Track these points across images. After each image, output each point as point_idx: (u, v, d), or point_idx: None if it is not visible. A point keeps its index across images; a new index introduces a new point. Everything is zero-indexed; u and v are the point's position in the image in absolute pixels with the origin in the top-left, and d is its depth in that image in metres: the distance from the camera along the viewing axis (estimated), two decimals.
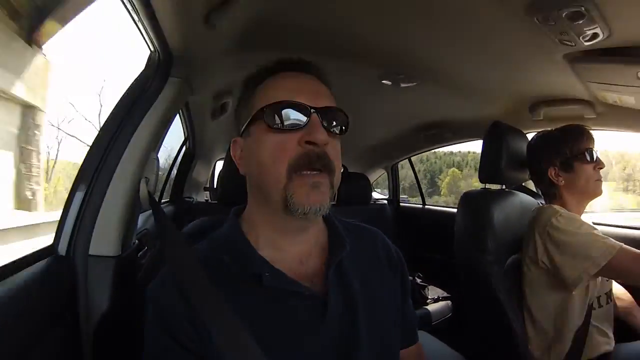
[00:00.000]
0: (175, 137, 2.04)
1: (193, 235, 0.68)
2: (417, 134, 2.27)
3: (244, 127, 0.61)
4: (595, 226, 1.06)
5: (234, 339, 0.51)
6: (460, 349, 1.21)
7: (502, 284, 1.09)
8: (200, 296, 0.53)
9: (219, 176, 1.13)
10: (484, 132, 1.32)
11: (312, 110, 0.56)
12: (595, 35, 0.80)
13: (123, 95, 0.87)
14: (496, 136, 1.26)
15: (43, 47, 1.59)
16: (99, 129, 0.85)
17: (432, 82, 1.44)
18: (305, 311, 0.55)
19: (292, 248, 0.60)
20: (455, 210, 1.30)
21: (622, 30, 0.79)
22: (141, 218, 1.13)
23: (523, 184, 1.52)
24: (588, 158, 1.10)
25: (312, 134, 0.55)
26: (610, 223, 1.48)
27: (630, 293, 1.22)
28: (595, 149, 1.13)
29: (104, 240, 0.77)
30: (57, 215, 0.79)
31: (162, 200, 2.07)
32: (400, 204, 2.96)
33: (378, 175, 3.29)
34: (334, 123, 0.59)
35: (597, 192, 1.13)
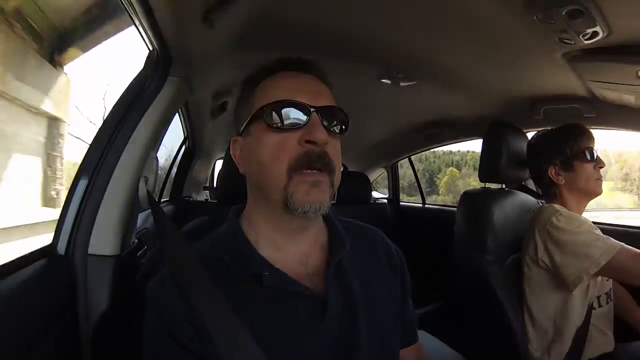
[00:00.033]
0: (174, 136, 2.04)
1: (193, 234, 0.68)
2: (417, 133, 2.27)
3: (243, 126, 0.61)
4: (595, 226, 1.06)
5: (234, 338, 0.51)
6: (460, 348, 1.21)
7: (502, 284, 1.09)
8: (200, 296, 0.53)
9: (218, 175, 1.13)
10: (484, 131, 1.32)
11: (312, 110, 0.56)
12: (595, 34, 0.80)
13: (122, 95, 0.87)
14: (496, 135, 1.26)
15: (65, 67, 2.09)
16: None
17: (431, 81, 1.44)
18: (305, 311, 0.55)
19: (292, 248, 0.60)
20: (455, 209, 1.30)
21: (622, 29, 0.78)
22: (141, 217, 1.13)
23: (523, 183, 1.52)
24: (588, 157, 1.10)
25: (312, 134, 0.55)
26: (608, 222, 1.48)
27: (630, 293, 1.22)
28: (595, 148, 1.12)
29: (103, 240, 0.77)
30: None
31: (162, 200, 2.07)
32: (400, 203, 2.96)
33: (378, 175, 3.29)
34: (334, 122, 0.59)
35: (597, 191, 1.13)
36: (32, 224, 2.08)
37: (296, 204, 0.54)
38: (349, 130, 0.61)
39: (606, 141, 1.17)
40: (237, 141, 0.64)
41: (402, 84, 1.45)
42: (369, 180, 2.50)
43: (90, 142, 0.82)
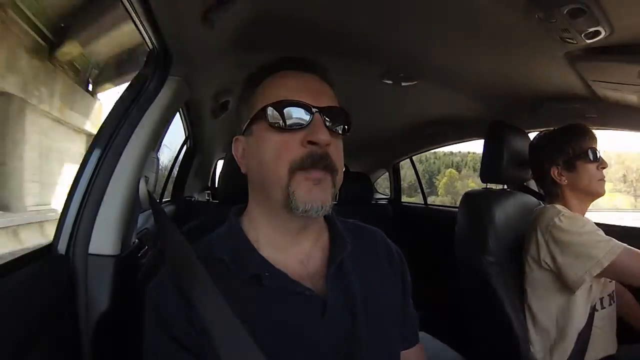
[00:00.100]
0: (176, 136, 2.05)
1: (193, 234, 0.68)
2: (418, 133, 2.27)
3: (245, 125, 0.61)
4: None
5: (234, 339, 0.51)
6: (461, 349, 1.21)
7: (503, 285, 1.09)
8: (199, 296, 0.53)
9: (220, 175, 1.13)
10: (485, 132, 1.32)
11: (314, 110, 0.56)
12: (596, 33, 0.79)
13: (122, 94, 0.87)
14: (497, 135, 1.25)
15: (97, 95, 2.97)
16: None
17: (432, 81, 1.44)
18: (305, 311, 0.55)
19: (292, 248, 0.60)
20: (456, 209, 1.29)
21: (624, 28, 0.78)
22: (142, 218, 1.13)
23: (525, 184, 1.51)
24: (591, 157, 1.10)
25: (315, 134, 0.54)
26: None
27: (633, 294, 1.21)
28: (598, 148, 1.12)
29: (104, 239, 0.77)
30: None
31: (163, 200, 2.07)
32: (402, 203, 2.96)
33: (379, 175, 3.29)
34: (337, 123, 0.58)
35: (600, 192, 1.12)
36: None
37: (298, 202, 0.54)
38: (351, 131, 0.60)
39: (604, 142, 1.16)
40: (238, 140, 0.63)
41: (403, 83, 1.45)
42: (370, 181, 2.50)
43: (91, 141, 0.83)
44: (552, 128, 1.21)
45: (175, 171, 2.25)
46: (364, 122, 2.03)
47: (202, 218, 0.98)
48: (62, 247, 0.74)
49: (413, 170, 2.96)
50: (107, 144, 0.81)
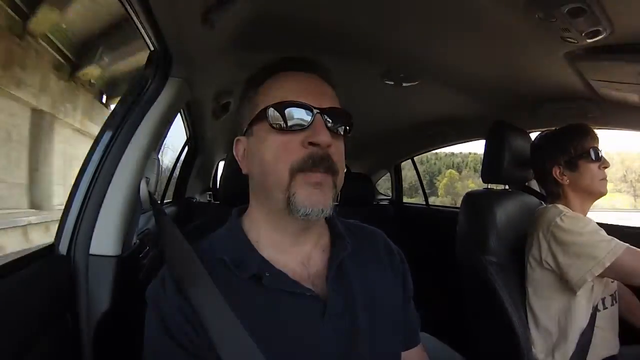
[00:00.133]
0: (178, 137, 2.05)
1: (194, 235, 0.68)
2: (419, 134, 2.26)
3: (246, 126, 0.61)
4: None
5: (234, 339, 0.51)
6: (462, 350, 1.20)
7: (505, 285, 1.08)
8: (200, 296, 0.53)
9: (221, 176, 1.13)
10: (486, 132, 1.32)
11: (316, 111, 0.55)
12: (597, 32, 0.79)
13: (123, 95, 0.88)
14: (498, 135, 1.25)
15: (111, 106, 3.05)
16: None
17: (433, 82, 1.43)
18: (305, 312, 0.55)
19: (293, 249, 0.60)
20: (458, 210, 1.29)
21: (625, 27, 0.77)
22: (143, 219, 1.14)
23: (526, 184, 1.51)
24: (593, 157, 1.09)
25: (316, 136, 0.54)
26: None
27: (635, 294, 1.20)
28: (600, 148, 1.11)
29: (105, 240, 0.78)
30: None
31: (165, 201, 2.07)
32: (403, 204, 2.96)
33: (381, 176, 3.29)
34: (338, 124, 0.58)
35: (602, 192, 1.12)
36: None
37: (298, 205, 0.54)
38: (352, 131, 0.60)
39: (604, 141, 1.15)
40: (240, 141, 0.63)
41: (404, 84, 1.45)
42: (371, 182, 2.50)
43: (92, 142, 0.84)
44: (553, 128, 1.21)
45: (176, 172, 2.25)
46: (366, 122, 2.03)
47: (202, 218, 0.99)
48: (63, 248, 0.74)
49: (413, 171, 2.96)
50: (108, 145, 0.81)
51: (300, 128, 0.55)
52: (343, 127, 0.59)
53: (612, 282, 1.09)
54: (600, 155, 1.10)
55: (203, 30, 0.83)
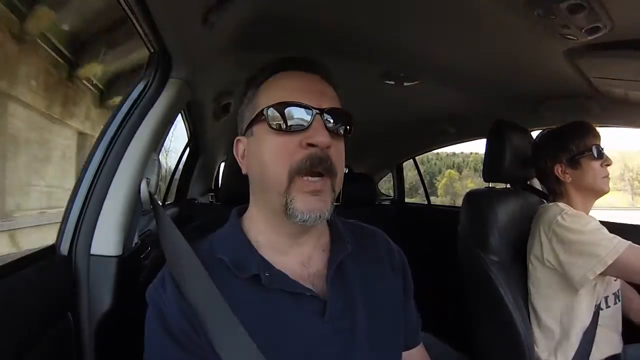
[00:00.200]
0: (179, 139, 2.06)
1: (195, 235, 0.68)
2: (421, 134, 2.26)
3: (246, 126, 0.61)
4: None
5: (234, 339, 0.51)
6: (463, 350, 1.20)
7: (507, 284, 1.08)
8: (199, 296, 0.53)
9: (222, 176, 1.13)
10: (488, 131, 1.31)
11: (315, 111, 0.55)
12: (597, 29, 0.78)
13: (124, 96, 0.88)
14: (499, 134, 1.24)
15: None
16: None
17: (433, 81, 1.43)
18: (305, 312, 0.55)
19: (293, 249, 0.60)
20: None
21: (625, 23, 0.77)
22: (145, 220, 1.14)
23: (528, 183, 1.50)
24: (595, 154, 1.09)
25: (315, 137, 0.54)
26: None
27: (639, 292, 1.19)
28: (602, 145, 1.11)
29: (106, 240, 0.78)
30: None
31: (167, 202, 2.08)
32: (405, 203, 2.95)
33: (383, 176, 3.29)
34: (338, 124, 0.58)
35: (604, 189, 1.11)
36: None
37: (296, 211, 0.53)
38: (354, 132, 0.60)
39: (604, 140, 1.15)
40: (240, 141, 0.63)
41: (405, 84, 1.45)
42: (373, 182, 2.49)
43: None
44: (554, 126, 1.21)
45: (178, 173, 2.26)
46: (367, 122, 2.03)
47: (203, 219, 0.99)
48: (64, 248, 0.75)
49: (413, 172, 2.96)
50: (109, 145, 0.82)
51: (299, 129, 0.55)
52: (343, 127, 0.59)
53: (615, 280, 1.09)
54: (602, 152, 1.10)
55: (203, 31, 0.83)
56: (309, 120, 0.55)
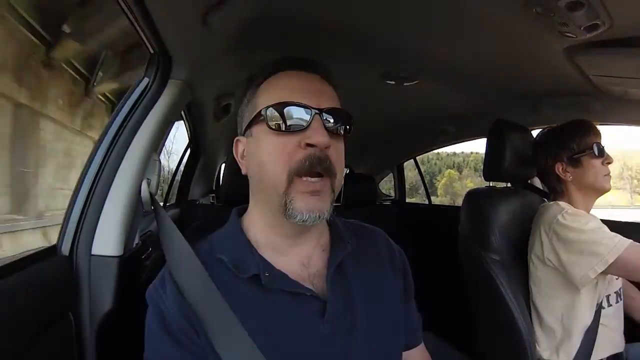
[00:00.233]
0: (180, 140, 2.07)
1: (195, 235, 0.69)
2: (421, 134, 2.26)
3: (245, 126, 0.61)
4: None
5: (233, 339, 0.51)
6: (465, 350, 1.19)
7: (508, 283, 1.08)
8: (199, 296, 0.53)
9: (223, 177, 1.14)
10: (488, 130, 1.31)
11: (314, 111, 0.55)
12: (596, 26, 0.78)
13: (124, 97, 0.89)
14: (500, 134, 1.24)
15: None
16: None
17: (434, 81, 1.43)
18: (305, 312, 0.55)
19: (293, 250, 0.60)
20: None
21: (624, 20, 0.76)
22: (146, 221, 1.14)
23: (529, 182, 1.50)
24: (596, 152, 1.08)
25: (313, 137, 0.54)
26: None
27: None
28: (603, 143, 1.11)
29: (107, 240, 0.78)
30: None
31: (168, 204, 2.08)
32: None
33: (384, 176, 3.28)
34: (338, 124, 0.57)
35: (605, 187, 1.11)
36: None
37: (295, 211, 0.53)
38: (355, 132, 0.60)
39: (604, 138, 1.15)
40: (239, 141, 0.63)
41: (405, 84, 1.45)
42: (375, 182, 2.49)
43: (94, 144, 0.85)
44: (554, 125, 1.20)
45: (179, 175, 2.26)
46: (368, 123, 2.03)
47: (203, 219, 0.99)
48: (65, 249, 0.75)
49: (413, 172, 2.96)
50: (109, 146, 0.82)
51: (298, 129, 0.54)
52: (343, 127, 0.58)
53: (616, 279, 1.08)
54: (603, 150, 1.09)
55: (202, 32, 0.83)
56: (308, 120, 0.54)
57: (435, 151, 2.92)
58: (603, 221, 1.03)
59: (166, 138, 1.15)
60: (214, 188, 2.76)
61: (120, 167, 0.81)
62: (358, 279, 0.61)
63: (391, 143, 2.58)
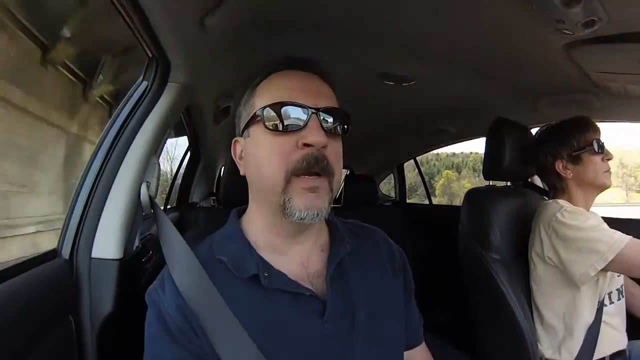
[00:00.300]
0: (180, 143, 2.07)
1: (195, 236, 0.69)
2: (421, 134, 2.26)
3: (243, 127, 0.61)
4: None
5: (233, 339, 0.51)
6: (466, 349, 1.19)
7: (509, 282, 1.07)
8: (199, 297, 0.53)
9: (222, 179, 1.14)
10: (487, 129, 1.31)
11: (311, 111, 0.55)
12: (592, 22, 0.77)
13: (124, 101, 0.89)
14: (499, 132, 1.24)
15: None
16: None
17: (432, 80, 1.43)
18: (305, 312, 0.55)
19: (292, 250, 0.60)
20: None
21: (621, 16, 0.76)
22: (146, 224, 1.14)
23: (529, 180, 1.49)
24: (596, 149, 1.08)
25: (310, 136, 0.54)
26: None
27: None
28: (602, 140, 1.10)
29: (107, 243, 0.78)
30: None
31: (168, 207, 2.08)
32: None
33: (384, 177, 3.28)
34: (335, 123, 0.57)
35: (606, 184, 1.11)
36: None
37: (293, 209, 0.53)
38: (354, 133, 0.60)
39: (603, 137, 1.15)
40: (237, 142, 0.63)
41: (404, 84, 1.45)
42: (375, 183, 2.49)
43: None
44: (554, 122, 1.20)
45: (179, 178, 2.26)
46: (367, 123, 2.03)
47: (202, 224, 0.99)
48: (66, 252, 0.75)
49: (412, 172, 2.96)
50: (109, 150, 0.82)
51: (295, 129, 0.54)
52: (340, 126, 0.58)
53: (618, 276, 1.08)
54: (603, 147, 1.09)
55: (200, 35, 0.83)
56: (305, 119, 0.54)
57: (435, 152, 2.92)
58: (602, 218, 1.03)
59: (166, 141, 1.15)
60: (214, 191, 2.76)
61: (120, 170, 0.81)
62: (358, 278, 0.61)
63: (391, 143, 2.58)
